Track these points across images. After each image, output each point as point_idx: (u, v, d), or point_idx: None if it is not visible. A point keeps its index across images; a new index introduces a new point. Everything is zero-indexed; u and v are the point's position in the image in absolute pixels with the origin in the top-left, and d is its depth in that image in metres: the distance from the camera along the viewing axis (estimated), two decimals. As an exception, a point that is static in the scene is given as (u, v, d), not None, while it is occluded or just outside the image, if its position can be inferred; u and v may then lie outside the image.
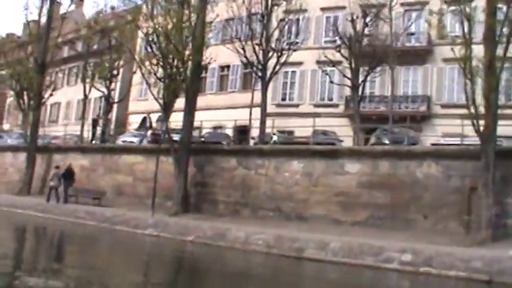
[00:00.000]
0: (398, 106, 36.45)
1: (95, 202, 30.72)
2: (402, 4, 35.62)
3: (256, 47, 30.29)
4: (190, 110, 27.42)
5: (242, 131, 37.34)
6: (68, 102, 56.20)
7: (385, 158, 23.81)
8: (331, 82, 35.02)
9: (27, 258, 16.59)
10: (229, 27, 36.50)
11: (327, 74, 34.76)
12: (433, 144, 26.26)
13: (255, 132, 33.73)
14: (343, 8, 35.89)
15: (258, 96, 39.85)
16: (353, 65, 30.84)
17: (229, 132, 38.90)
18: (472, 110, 21.26)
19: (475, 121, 20.95)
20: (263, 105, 30.67)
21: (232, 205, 26.94)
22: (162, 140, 28.10)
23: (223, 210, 27.01)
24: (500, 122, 21.18)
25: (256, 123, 33.89)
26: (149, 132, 31.53)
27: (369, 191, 23.78)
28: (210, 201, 27.59)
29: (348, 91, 37.79)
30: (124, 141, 34.96)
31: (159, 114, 29.39)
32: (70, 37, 55.71)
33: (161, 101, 27.92)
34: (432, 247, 18.12)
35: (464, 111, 33.33)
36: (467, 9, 21.67)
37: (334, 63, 32.90)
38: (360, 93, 31.20)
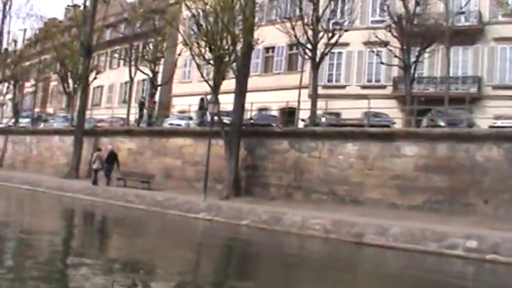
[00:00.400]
0: (448, 87, 35.56)
1: (144, 186, 30.62)
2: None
3: (306, 27, 29.63)
4: (241, 92, 27.09)
5: (289, 113, 36.93)
6: (111, 85, 56.46)
7: (443, 140, 23.14)
8: (381, 63, 34.39)
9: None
10: (276, 8, 35.94)
11: (377, 54, 33.98)
12: (491, 127, 25.44)
13: (302, 115, 33.27)
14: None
15: (303, 78, 39.87)
16: (404, 46, 29.94)
17: (276, 114, 38.57)
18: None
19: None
20: (313, 87, 30.10)
21: (284, 188, 26.62)
22: (212, 122, 27.83)
23: (275, 193, 26.70)
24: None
25: (302, 105, 33.44)
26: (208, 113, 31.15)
27: (426, 174, 23.18)
28: (261, 184, 27.29)
29: (395, 72, 37.26)
30: (171, 124, 34.80)
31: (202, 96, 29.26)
32: (113, 20, 55.74)
33: (211, 83, 27.61)
34: (497, 233, 17.58)
35: None
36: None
37: (385, 44, 32.17)
38: (411, 74, 30.26)
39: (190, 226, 22.30)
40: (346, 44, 37.64)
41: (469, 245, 16.76)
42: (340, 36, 29.81)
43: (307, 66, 39.99)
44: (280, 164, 27.02)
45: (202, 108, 30.92)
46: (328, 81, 39.68)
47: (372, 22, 37.71)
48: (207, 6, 27.28)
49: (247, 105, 32.19)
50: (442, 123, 25.81)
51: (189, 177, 30.33)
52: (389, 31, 31.57)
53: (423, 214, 21.88)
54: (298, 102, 34.30)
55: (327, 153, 25.90)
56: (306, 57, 30.71)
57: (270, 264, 15.04)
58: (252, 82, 39.71)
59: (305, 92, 37.60)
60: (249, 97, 30.93)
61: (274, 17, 36.68)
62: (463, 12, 35.21)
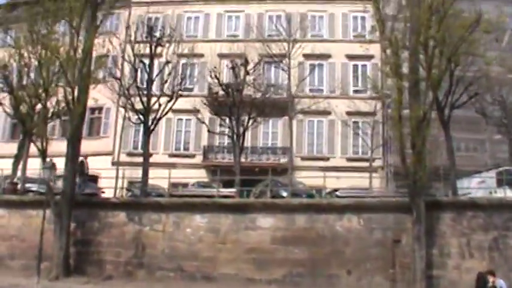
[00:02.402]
0: (259, 158, 36.17)
1: None
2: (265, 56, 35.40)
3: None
4: (73, 157, 23.85)
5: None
6: None
7: (302, 211, 22.82)
8: (209, 131, 33.88)
9: None
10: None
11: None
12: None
13: (104, 183, 30.65)
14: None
15: (106, 143, 37.15)
16: (235, 115, 29.59)
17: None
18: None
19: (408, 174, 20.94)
20: (146, 154, 27.78)
21: (123, 266, 23.57)
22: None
23: (113, 271, 23.48)
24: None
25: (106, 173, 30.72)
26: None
27: (284, 246, 22.53)
28: (95, 262, 23.76)
29: (205, 141, 36.80)
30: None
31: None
32: None
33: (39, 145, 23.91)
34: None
35: (322, 163, 34.95)
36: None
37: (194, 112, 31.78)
38: (240, 143, 29.88)
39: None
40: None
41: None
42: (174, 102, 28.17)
43: (110, 131, 37.77)
44: (118, 238, 23.98)
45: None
46: (134, 148, 37.44)
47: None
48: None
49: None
50: (285, 194, 25.49)
51: (1, 255, 25.23)
52: (214, 99, 31.12)
53: (284, 288, 21.08)
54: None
55: (172, 226, 23.78)
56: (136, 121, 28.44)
57: None
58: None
59: (108, 159, 35.23)
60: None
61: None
62: (273, 85, 36.16)
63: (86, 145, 35.68)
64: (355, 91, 37.25)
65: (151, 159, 35.68)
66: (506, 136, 30.37)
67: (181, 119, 37.47)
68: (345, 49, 37.40)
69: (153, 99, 27.55)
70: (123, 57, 28.61)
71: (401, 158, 21.19)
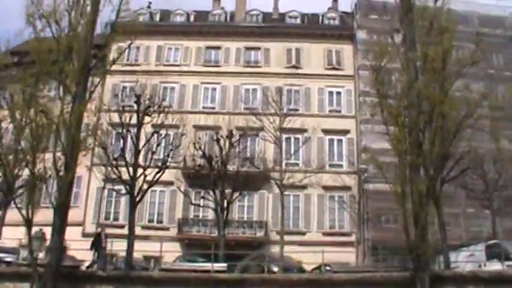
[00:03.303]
0: (235, 231, 35.48)
1: None
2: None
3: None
4: (60, 228, 22.67)
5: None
6: None
7: (301, 287, 22.15)
8: (192, 204, 33.51)
9: None
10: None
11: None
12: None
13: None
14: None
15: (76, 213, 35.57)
16: (218, 187, 29.29)
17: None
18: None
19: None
20: (132, 226, 26.70)
21: None
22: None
23: None
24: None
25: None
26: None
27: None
28: None
29: (180, 213, 36.00)
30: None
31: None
32: None
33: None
34: None
35: (298, 237, 34.51)
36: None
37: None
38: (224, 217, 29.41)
39: None
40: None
41: None
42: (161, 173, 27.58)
43: (81, 201, 36.45)
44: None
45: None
46: (106, 219, 36.20)
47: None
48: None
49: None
50: (276, 269, 24.87)
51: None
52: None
53: None
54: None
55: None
56: (123, 192, 27.56)
57: None
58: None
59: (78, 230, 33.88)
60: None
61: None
62: (247, 158, 35.91)
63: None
64: (331, 165, 37.36)
65: (122, 231, 34.73)
66: (489, 209, 30.73)
67: (155, 191, 36.39)
68: (321, 123, 37.81)
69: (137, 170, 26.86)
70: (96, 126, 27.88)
71: (405, 233, 21.02)
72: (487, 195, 30.48)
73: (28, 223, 22.30)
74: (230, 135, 30.77)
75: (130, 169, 26.37)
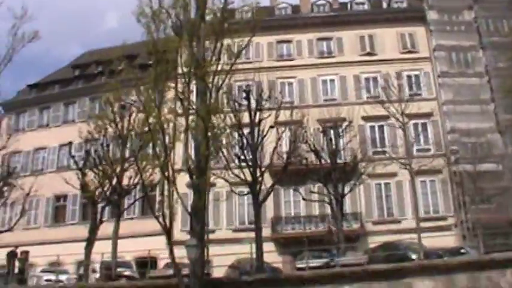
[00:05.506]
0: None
1: None
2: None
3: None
4: (201, 235, 21.89)
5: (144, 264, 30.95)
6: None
7: (461, 270, 21.68)
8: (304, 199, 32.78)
9: None
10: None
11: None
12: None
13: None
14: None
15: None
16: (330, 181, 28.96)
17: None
18: None
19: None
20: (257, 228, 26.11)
21: None
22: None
23: None
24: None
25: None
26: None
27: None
28: None
29: (272, 213, 35.30)
30: (49, 280, 26.12)
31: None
32: None
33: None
34: None
35: (394, 226, 33.95)
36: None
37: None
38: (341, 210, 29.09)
39: None
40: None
41: None
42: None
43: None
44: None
45: None
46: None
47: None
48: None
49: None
50: (414, 256, 24.33)
51: None
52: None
53: None
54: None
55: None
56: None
57: None
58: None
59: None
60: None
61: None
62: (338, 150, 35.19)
63: (142, 225, 34.32)
64: (418, 150, 36.46)
65: (212, 236, 33.88)
66: None
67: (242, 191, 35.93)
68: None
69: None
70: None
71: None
72: None
73: (168, 234, 21.71)
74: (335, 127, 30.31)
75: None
